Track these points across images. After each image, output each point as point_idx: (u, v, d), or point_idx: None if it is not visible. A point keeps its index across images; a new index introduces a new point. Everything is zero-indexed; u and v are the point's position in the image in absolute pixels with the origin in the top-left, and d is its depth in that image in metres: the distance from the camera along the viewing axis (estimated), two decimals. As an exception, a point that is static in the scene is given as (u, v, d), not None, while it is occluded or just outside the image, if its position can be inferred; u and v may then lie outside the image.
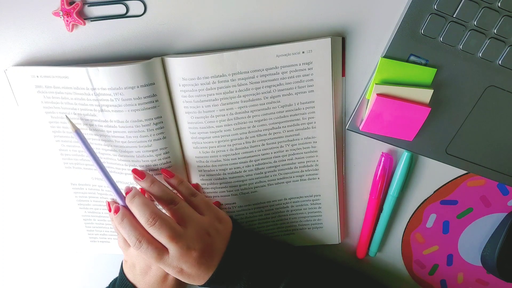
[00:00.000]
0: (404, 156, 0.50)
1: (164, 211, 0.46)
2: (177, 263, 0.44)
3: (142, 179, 0.47)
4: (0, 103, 0.49)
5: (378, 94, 0.44)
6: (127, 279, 0.51)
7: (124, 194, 0.46)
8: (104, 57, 0.47)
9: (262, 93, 0.46)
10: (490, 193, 0.53)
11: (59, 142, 0.49)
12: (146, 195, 0.47)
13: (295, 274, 0.48)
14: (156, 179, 0.47)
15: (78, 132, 0.45)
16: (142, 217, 0.44)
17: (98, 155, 0.48)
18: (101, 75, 0.43)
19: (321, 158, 0.50)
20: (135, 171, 0.47)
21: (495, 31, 0.42)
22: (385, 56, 0.44)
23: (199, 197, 0.48)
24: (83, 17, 0.45)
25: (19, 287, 0.60)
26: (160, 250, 0.44)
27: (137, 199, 0.45)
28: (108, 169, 0.48)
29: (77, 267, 0.59)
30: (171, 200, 0.46)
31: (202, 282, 0.46)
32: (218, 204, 0.52)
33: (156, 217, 0.43)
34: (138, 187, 0.48)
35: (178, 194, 0.48)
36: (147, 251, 0.43)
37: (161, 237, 0.43)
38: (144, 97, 0.45)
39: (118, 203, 0.47)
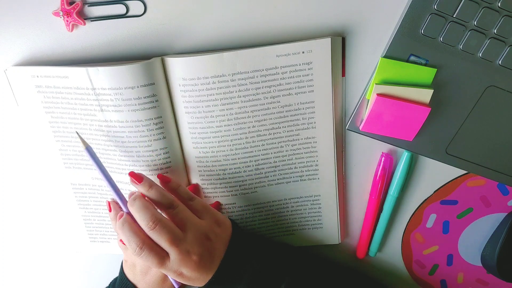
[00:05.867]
0: (404, 156, 0.50)
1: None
2: (177, 267, 0.44)
3: (140, 183, 0.45)
4: (0, 103, 0.49)
5: (378, 94, 0.44)
6: (127, 279, 0.51)
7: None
8: (104, 57, 0.47)
9: (262, 93, 0.46)
10: (490, 193, 0.53)
11: (59, 142, 0.49)
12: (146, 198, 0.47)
13: (295, 275, 0.48)
14: (154, 182, 0.46)
15: (88, 149, 0.45)
16: (142, 221, 0.43)
17: (98, 155, 0.48)
18: (101, 75, 0.43)
19: (321, 158, 0.50)
20: (132, 174, 0.46)
21: (495, 31, 0.42)
22: (385, 56, 0.44)
23: (196, 201, 0.47)
24: (83, 17, 0.45)
25: (19, 287, 0.60)
26: (161, 256, 0.43)
27: (137, 202, 0.44)
28: (108, 169, 0.47)
29: (77, 267, 0.59)
30: (170, 204, 0.45)
31: (202, 284, 0.46)
32: (218, 205, 0.52)
33: (157, 220, 0.43)
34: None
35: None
36: (148, 257, 0.43)
37: (162, 241, 0.43)
38: (144, 97, 0.45)
39: (122, 210, 0.47)
